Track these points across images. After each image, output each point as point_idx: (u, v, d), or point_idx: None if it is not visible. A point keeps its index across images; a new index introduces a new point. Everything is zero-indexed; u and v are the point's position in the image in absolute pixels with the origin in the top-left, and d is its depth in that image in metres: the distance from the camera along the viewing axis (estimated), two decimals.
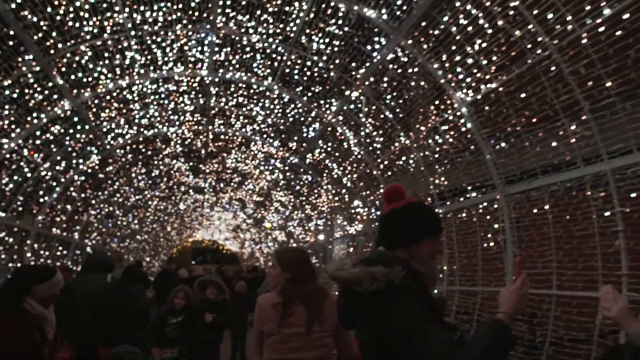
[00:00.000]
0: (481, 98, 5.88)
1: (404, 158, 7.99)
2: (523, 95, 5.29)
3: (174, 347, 5.70)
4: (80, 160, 10.00)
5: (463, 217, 6.95)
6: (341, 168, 10.35)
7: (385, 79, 7.27)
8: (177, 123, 10.54)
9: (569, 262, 5.02)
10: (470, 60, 5.76)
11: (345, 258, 2.14)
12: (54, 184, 9.74)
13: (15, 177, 8.38)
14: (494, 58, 5.49)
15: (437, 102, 6.66)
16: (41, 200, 9.60)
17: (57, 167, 9.37)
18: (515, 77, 5.29)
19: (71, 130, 8.83)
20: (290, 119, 9.92)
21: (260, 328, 2.92)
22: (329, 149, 10.21)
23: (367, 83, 7.56)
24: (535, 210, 5.52)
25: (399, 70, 6.94)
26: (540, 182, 5.38)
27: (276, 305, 2.86)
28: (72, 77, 7.48)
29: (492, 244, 6.29)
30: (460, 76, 5.98)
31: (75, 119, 8.55)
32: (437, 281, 2.22)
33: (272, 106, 9.65)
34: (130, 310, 5.38)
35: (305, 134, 10.30)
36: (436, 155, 7.15)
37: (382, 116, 7.88)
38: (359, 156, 9.27)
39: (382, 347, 1.85)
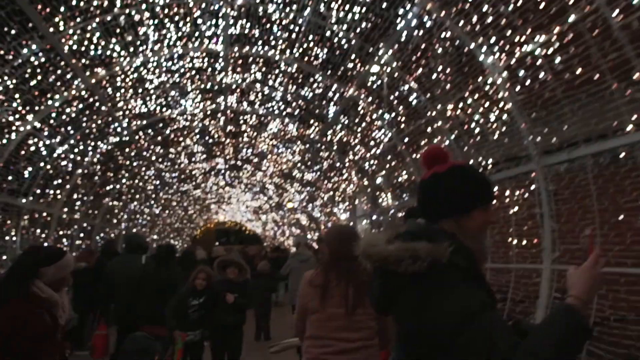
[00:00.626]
0: (515, 62, 5.44)
1: (429, 130, 7.58)
2: (564, 57, 4.84)
3: (196, 330, 5.54)
4: (99, 143, 9.86)
5: (495, 191, 6.56)
6: (363, 145, 9.99)
7: (410, 47, 6.83)
8: (193, 103, 10.28)
9: (616, 237, 4.63)
10: (503, 21, 5.30)
11: (379, 232, 1.92)
12: (71, 167, 9.63)
13: (34, 161, 8.28)
14: (531, 17, 5.03)
15: (466, 70, 6.22)
16: (60, 183, 9.51)
17: (75, 150, 9.23)
18: (555, 37, 4.83)
19: (87, 112, 8.67)
20: (310, 95, 9.56)
21: (305, 303, 2.94)
22: (350, 124, 9.84)
23: (390, 52, 7.15)
24: (576, 182, 5.11)
25: (425, 37, 6.51)
26: (582, 151, 4.95)
27: (317, 283, 2.89)
28: (84, 55, 7.25)
29: (526, 218, 5.91)
30: (493, 39, 5.53)
31: (91, 100, 8.35)
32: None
33: (290, 81, 9.30)
34: (168, 288, 5.85)
35: (325, 111, 9.95)
36: (465, 127, 6.74)
37: (406, 87, 7.47)
38: (383, 131, 8.90)
39: (427, 341, 1.53)
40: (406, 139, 8.45)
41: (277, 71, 9.01)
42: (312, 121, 10.92)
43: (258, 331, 9.65)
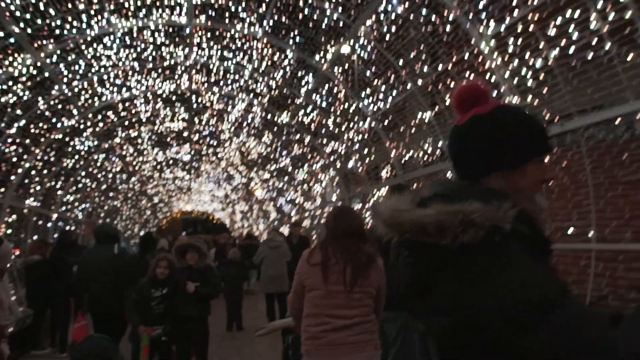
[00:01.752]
0: (505, 30, 5.11)
1: (409, 108, 7.23)
2: (558, 22, 4.52)
3: (162, 324, 5.03)
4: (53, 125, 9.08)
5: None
6: (337, 124, 9.57)
7: (388, 17, 6.43)
8: (154, 82, 9.60)
9: (613, 212, 4.39)
10: None
11: (402, 195, 1.65)
12: (22, 151, 8.83)
13: None
14: None
15: (450, 40, 5.86)
16: (10, 170, 8.71)
17: (24, 133, 8.45)
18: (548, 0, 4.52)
19: (37, 91, 7.91)
20: (281, 72, 9.04)
21: (302, 281, 2.97)
22: (324, 104, 9.39)
23: (367, 24, 6.73)
24: (568, 156, 4.85)
25: (404, 5, 6.11)
26: (575, 123, 4.67)
27: (316, 262, 2.92)
28: (29, 25, 6.51)
29: None
30: (481, 5, 5.18)
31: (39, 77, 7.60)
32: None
33: (259, 58, 8.76)
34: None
35: (297, 89, 9.46)
36: (448, 102, 6.40)
37: (384, 62, 7.08)
38: (359, 109, 8.50)
39: (479, 339, 1.13)
40: (383, 118, 8.09)
41: (245, 47, 8.44)
42: (281, 102, 10.41)
43: (230, 321, 9.19)
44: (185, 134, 13.42)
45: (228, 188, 22.08)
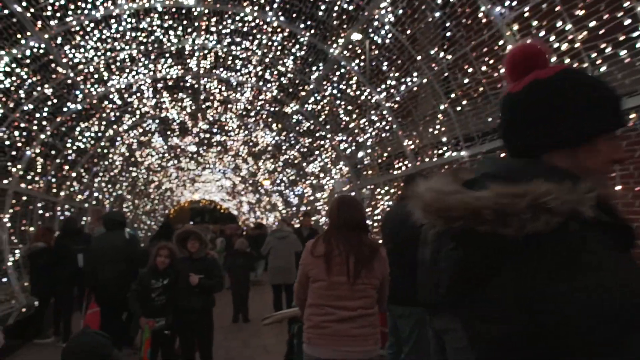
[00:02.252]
0: (528, 11, 4.83)
1: (423, 96, 6.96)
2: (586, 1, 4.25)
3: (164, 316, 4.84)
4: (58, 110, 8.91)
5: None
6: (348, 112, 9.32)
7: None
8: (162, 68, 9.39)
9: None
10: None
11: (442, 176, 1.53)
12: (27, 135, 8.67)
13: None
14: None
15: (468, 22, 5.59)
16: (15, 155, 8.56)
17: (28, 117, 8.27)
18: None
19: (42, 74, 7.73)
20: (291, 58, 8.79)
21: (307, 272, 3.01)
22: (334, 91, 9.13)
23: (382, 5, 6.46)
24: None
25: None
26: None
27: (319, 253, 2.94)
28: (32, 4, 6.31)
29: None
30: None
31: (45, 59, 7.41)
32: None
33: (269, 43, 8.51)
34: None
35: (307, 76, 9.20)
36: (465, 89, 6.14)
37: (398, 46, 6.81)
38: (370, 97, 8.24)
39: (548, 348, 0.90)
40: (397, 108, 7.83)
41: (254, 31, 8.19)
42: (291, 90, 10.15)
43: (236, 313, 9.02)
44: (190, 123, 13.25)
45: (235, 179, 21.97)
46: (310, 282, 3.01)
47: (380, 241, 4.49)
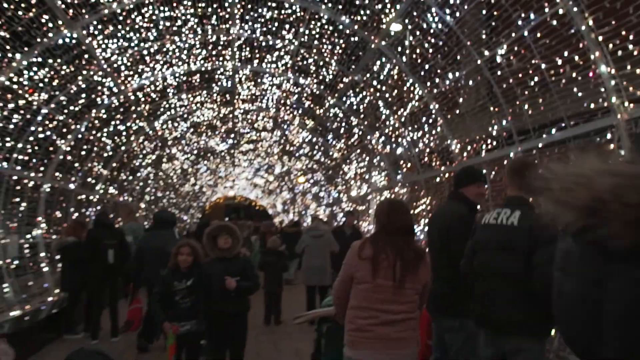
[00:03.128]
0: None
1: (470, 83, 6.40)
2: None
3: (189, 320, 4.48)
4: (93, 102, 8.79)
5: (555, 155, 5.40)
6: (389, 105, 8.81)
7: None
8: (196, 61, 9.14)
9: None
10: None
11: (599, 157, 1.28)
12: (64, 130, 8.59)
13: (15, 121, 7.22)
14: None
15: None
16: (48, 149, 8.47)
17: (65, 110, 8.16)
18: None
19: (76, 65, 7.58)
20: (329, 47, 8.35)
21: (352, 273, 2.98)
22: (374, 82, 8.64)
23: None
24: None
25: None
26: None
27: (366, 256, 2.93)
28: None
29: None
30: None
31: (76, 51, 7.25)
32: None
33: (307, 31, 8.10)
34: None
35: (347, 66, 8.75)
36: (520, 75, 5.55)
37: (445, 30, 6.26)
38: (412, 89, 7.72)
39: None
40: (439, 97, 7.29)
41: (291, 18, 7.80)
42: (329, 82, 9.73)
43: (268, 314, 8.68)
44: (221, 121, 13.11)
45: (269, 177, 21.84)
46: (355, 284, 2.99)
47: (425, 243, 4.06)
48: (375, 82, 8.57)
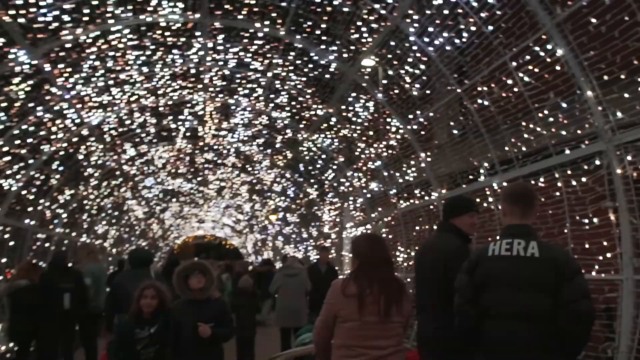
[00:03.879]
0: (583, 9, 4.16)
1: (450, 113, 6.26)
2: None
3: None
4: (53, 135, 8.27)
5: (540, 184, 5.22)
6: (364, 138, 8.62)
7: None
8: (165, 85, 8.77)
9: None
10: None
11: None
12: (21, 163, 8.02)
13: None
14: None
15: (509, 26, 4.92)
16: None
17: (19, 142, 7.63)
18: None
19: (34, 95, 7.13)
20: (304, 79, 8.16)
21: (336, 312, 2.94)
22: (350, 115, 8.45)
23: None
24: None
25: None
26: None
27: (352, 293, 2.88)
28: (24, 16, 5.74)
29: (592, 216, 4.58)
30: None
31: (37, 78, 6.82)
32: None
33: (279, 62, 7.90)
34: None
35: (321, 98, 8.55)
36: (502, 103, 5.43)
37: (423, 58, 6.15)
38: (390, 120, 7.55)
39: None
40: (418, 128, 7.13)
41: (264, 49, 7.60)
42: (303, 115, 9.51)
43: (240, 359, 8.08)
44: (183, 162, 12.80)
45: (239, 216, 21.36)
46: (340, 322, 2.92)
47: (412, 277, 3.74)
48: (350, 115, 8.38)
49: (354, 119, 8.44)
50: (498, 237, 2.90)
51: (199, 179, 15.08)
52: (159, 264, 21.75)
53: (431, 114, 6.74)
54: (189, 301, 4.25)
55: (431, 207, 7.71)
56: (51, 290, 6.65)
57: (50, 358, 6.67)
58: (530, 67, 4.85)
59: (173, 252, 28.15)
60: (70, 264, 7.52)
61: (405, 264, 8.59)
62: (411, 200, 8.12)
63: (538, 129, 5.06)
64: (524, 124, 5.23)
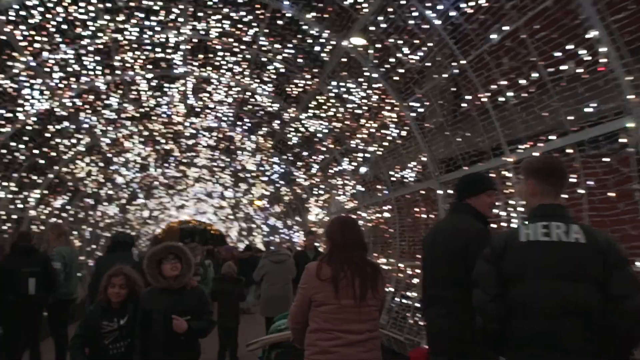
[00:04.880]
0: None
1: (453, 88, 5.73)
2: None
3: None
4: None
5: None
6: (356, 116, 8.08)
7: None
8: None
9: None
10: None
11: None
12: None
13: None
14: None
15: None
16: None
17: None
18: None
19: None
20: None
21: (310, 296, 2.92)
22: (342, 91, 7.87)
23: None
24: None
25: None
26: None
27: (327, 276, 2.86)
28: None
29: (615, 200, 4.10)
30: None
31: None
32: None
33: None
34: None
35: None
36: (512, 76, 4.90)
37: (424, 26, 5.57)
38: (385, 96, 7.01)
39: None
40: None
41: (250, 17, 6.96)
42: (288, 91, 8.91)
43: (222, 350, 7.60)
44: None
45: (222, 202, 20.79)
46: (314, 307, 2.92)
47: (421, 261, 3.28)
48: (343, 91, 7.81)
49: (345, 96, 7.87)
50: (527, 220, 2.42)
51: (177, 164, 14.51)
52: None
53: (430, 89, 6.18)
54: (163, 289, 3.71)
55: (422, 192, 7.27)
56: (12, 275, 6.09)
57: (13, 349, 6.13)
58: (547, 33, 4.32)
59: (157, 236, 27.52)
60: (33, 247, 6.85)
61: (400, 252, 8.12)
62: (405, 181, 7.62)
63: (553, 103, 4.55)
64: (536, 98, 4.72)
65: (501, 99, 5.03)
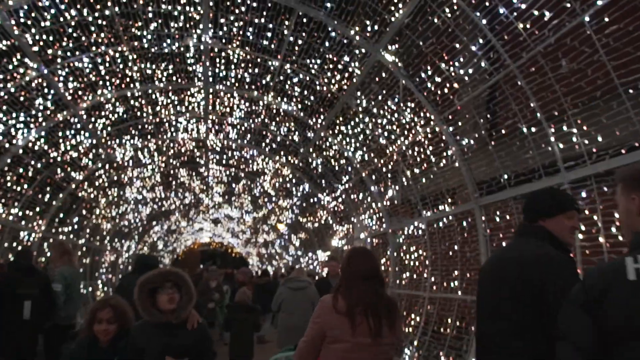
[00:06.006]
0: None
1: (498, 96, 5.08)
2: None
3: None
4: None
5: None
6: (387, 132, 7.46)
7: None
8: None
9: None
10: None
11: None
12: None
13: None
14: None
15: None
16: None
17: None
18: None
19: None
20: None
21: (325, 331, 2.74)
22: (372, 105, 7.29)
23: None
24: None
25: None
26: None
27: (344, 310, 2.70)
28: None
29: None
30: None
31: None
32: None
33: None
34: None
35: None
36: (572, 80, 4.23)
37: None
38: (418, 109, 6.39)
39: None
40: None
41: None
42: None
43: None
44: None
45: (242, 227, 20.39)
46: (328, 343, 2.72)
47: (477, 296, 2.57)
48: (372, 105, 7.22)
49: (374, 110, 7.28)
50: (632, 250, 1.72)
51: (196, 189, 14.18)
52: None
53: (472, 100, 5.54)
54: (157, 325, 3.07)
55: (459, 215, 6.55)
56: (9, 296, 5.59)
57: None
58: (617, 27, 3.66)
59: (177, 258, 27.14)
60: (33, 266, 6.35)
61: (427, 283, 7.37)
62: (440, 207, 6.91)
63: (621, 114, 3.85)
64: (603, 107, 4.03)
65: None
